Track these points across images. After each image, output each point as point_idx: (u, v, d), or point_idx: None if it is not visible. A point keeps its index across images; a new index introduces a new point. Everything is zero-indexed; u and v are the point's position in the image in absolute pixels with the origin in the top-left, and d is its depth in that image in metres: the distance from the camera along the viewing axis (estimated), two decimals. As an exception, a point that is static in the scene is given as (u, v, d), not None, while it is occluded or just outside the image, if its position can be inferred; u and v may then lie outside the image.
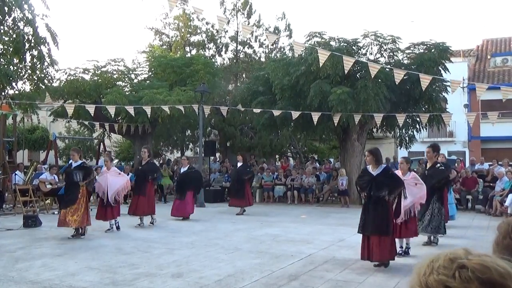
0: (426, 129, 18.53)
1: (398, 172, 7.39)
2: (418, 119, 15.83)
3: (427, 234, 8.24)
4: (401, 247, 7.28)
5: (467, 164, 18.76)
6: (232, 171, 15.81)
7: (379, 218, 6.36)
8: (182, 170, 12.90)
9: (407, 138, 17.73)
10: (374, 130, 18.43)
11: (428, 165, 8.52)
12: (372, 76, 12.97)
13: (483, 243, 8.38)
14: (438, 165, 8.44)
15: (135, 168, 11.40)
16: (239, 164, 13.80)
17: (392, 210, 6.65)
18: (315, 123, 14.68)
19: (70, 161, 9.30)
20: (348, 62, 11.70)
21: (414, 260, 6.90)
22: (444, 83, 15.75)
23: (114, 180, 9.76)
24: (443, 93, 16.10)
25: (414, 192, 7.18)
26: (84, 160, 10.14)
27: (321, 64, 11.58)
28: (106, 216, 9.71)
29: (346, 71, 12.58)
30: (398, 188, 6.62)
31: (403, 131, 17.49)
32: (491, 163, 16.79)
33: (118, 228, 9.87)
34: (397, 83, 12.40)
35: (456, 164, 16.08)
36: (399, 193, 6.68)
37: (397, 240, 7.02)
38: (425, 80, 11.87)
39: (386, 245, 6.36)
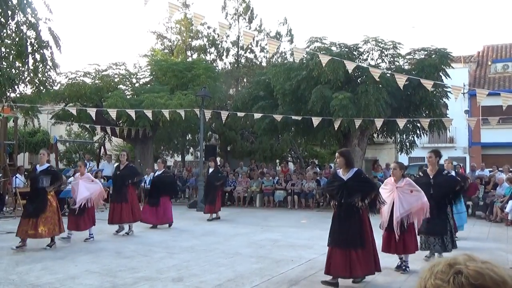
0: (426, 134, 18.55)
1: (390, 179, 6.80)
2: (418, 124, 15.86)
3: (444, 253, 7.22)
4: (401, 257, 6.68)
5: (468, 170, 18.76)
6: (205, 177, 14.97)
7: (352, 229, 5.65)
8: (156, 174, 12.12)
9: (407, 144, 17.74)
10: (375, 135, 18.45)
11: (431, 173, 7.47)
12: (377, 78, 12.97)
13: (483, 250, 8.37)
14: (446, 172, 7.72)
15: (113, 173, 10.55)
16: (210, 170, 13.38)
17: (367, 218, 5.87)
18: (315, 126, 14.68)
19: (36, 165, 8.58)
20: (350, 66, 11.69)
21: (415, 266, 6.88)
22: (445, 89, 15.79)
23: (85, 187, 9.15)
24: (443, 99, 16.13)
25: (410, 200, 6.49)
26: (51, 164, 9.59)
27: (324, 65, 11.48)
28: (78, 225, 8.94)
29: (350, 71, 12.54)
30: (371, 193, 5.83)
31: (404, 136, 17.51)
32: (491, 169, 16.79)
33: (92, 237, 9.15)
34: (401, 88, 12.38)
35: (456, 170, 16.07)
36: (373, 198, 5.85)
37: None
38: (427, 84, 11.87)
39: (366, 259, 5.68)
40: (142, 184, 15.51)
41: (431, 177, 7.37)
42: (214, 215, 12.86)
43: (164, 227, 11.14)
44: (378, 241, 6.36)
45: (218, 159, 22.79)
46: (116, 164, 21.60)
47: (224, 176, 14.21)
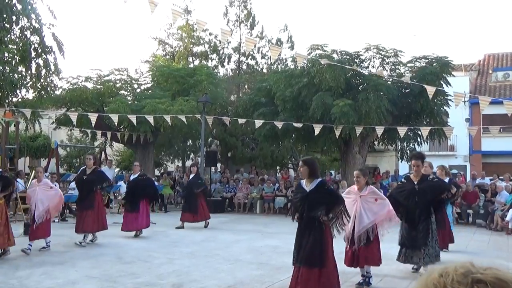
0: (427, 142, 18.56)
1: (353, 188, 6.30)
2: (419, 132, 15.88)
3: (425, 266, 6.61)
4: (363, 275, 6.16)
5: (468, 178, 18.75)
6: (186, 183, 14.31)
7: (312, 246, 5.13)
8: (131, 178, 11.45)
9: (408, 152, 17.76)
10: (376, 142, 18.47)
11: (415, 179, 6.80)
12: (384, 76, 12.90)
13: (484, 258, 8.36)
14: (431, 177, 7.01)
15: (77, 178, 9.76)
16: (191, 176, 12.94)
17: (330, 235, 5.27)
18: (316, 134, 14.71)
19: None
20: (352, 70, 11.71)
21: (415, 274, 6.87)
22: (446, 97, 15.83)
23: (45, 195, 8.52)
24: (444, 107, 16.16)
25: (375, 210, 6.03)
26: (2, 170, 9.12)
27: (326, 75, 11.38)
28: (37, 234, 8.40)
29: (354, 72, 12.52)
30: (337, 207, 5.26)
31: (404, 144, 17.53)
32: (492, 177, 16.79)
33: (49, 246, 8.58)
34: (404, 90, 12.34)
35: (457, 179, 16.07)
36: (339, 213, 5.26)
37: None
38: (430, 90, 11.88)
39: (327, 279, 5.12)
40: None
41: (415, 183, 6.75)
42: (206, 222, 12.45)
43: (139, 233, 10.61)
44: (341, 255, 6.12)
45: (218, 165, 22.82)
46: (118, 169, 21.52)
47: (204, 183, 13.59)
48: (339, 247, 6.03)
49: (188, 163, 26.95)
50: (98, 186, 9.35)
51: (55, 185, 13.52)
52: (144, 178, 11.21)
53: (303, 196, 5.34)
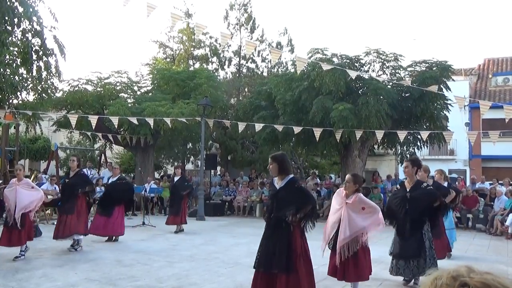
0: (427, 146, 18.58)
1: (342, 191, 5.81)
2: (419, 136, 15.91)
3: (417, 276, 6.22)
4: None
5: (468, 182, 18.76)
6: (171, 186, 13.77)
7: (278, 249, 4.70)
8: (110, 180, 10.88)
9: (408, 156, 17.77)
10: (375, 146, 18.49)
11: (409, 185, 6.39)
12: (382, 79, 12.90)
13: (483, 263, 8.36)
14: (425, 184, 6.52)
15: (61, 181, 9.21)
16: (176, 178, 12.63)
17: (299, 237, 4.81)
18: (317, 138, 14.73)
19: None
20: (352, 74, 11.72)
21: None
22: (446, 101, 15.86)
23: (24, 194, 7.84)
24: (444, 111, 16.19)
25: (361, 219, 5.56)
26: None
27: (326, 79, 11.35)
28: (10, 240, 7.72)
29: (353, 77, 12.52)
30: (306, 206, 4.81)
31: (404, 148, 17.54)
32: (491, 182, 16.80)
33: (23, 255, 7.81)
34: (404, 94, 12.34)
35: (457, 183, 16.08)
36: (308, 214, 4.83)
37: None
38: (433, 88, 11.86)
39: (292, 286, 4.64)
40: (142, 192, 15.51)
41: (407, 190, 6.32)
42: (179, 227, 11.99)
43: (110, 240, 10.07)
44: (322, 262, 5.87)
45: (218, 168, 22.83)
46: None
47: (191, 185, 13.04)
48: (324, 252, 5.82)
49: (188, 166, 27.00)
50: (80, 189, 8.70)
51: (55, 188, 13.57)
52: (124, 182, 10.71)
53: (272, 194, 5.09)
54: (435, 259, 6.21)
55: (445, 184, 8.85)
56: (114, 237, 10.10)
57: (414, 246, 6.05)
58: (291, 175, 5.04)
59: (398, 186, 6.94)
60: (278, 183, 5.03)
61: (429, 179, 7.71)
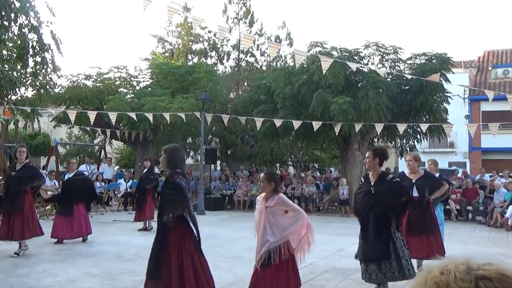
0: (426, 139, 18.57)
1: (261, 195, 4.91)
2: (418, 129, 15.89)
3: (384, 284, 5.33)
4: None
5: (462, 175, 18.77)
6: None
7: (151, 254, 4.64)
8: (66, 177, 9.76)
9: (407, 149, 17.77)
10: (375, 140, 18.48)
11: (372, 179, 5.48)
12: (382, 74, 12.85)
13: (483, 255, 8.38)
14: (390, 176, 5.64)
15: (7, 174, 8.19)
16: (145, 171, 11.72)
17: (174, 240, 4.47)
18: (315, 130, 14.70)
19: None
20: (352, 66, 11.67)
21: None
22: (445, 94, 15.83)
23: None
24: (444, 104, 16.16)
25: (284, 225, 4.70)
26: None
27: (324, 71, 11.36)
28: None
29: (354, 69, 12.46)
30: (177, 205, 4.53)
31: (404, 141, 17.54)
32: (491, 174, 16.81)
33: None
34: (404, 87, 12.31)
35: (454, 176, 16.09)
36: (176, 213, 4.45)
37: None
38: (435, 78, 11.81)
39: None
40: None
41: (372, 184, 5.45)
42: (146, 224, 11.05)
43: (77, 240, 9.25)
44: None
45: (218, 162, 22.83)
46: (118, 167, 21.44)
47: (157, 179, 11.99)
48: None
49: (188, 160, 26.97)
50: (28, 184, 7.74)
51: (54, 183, 13.56)
52: (81, 178, 9.68)
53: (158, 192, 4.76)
54: (408, 265, 5.24)
55: (437, 175, 8.04)
56: (83, 238, 9.25)
57: (382, 247, 5.18)
58: (177, 170, 4.68)
59: (362, 179, 6.00)
60: (162, 180, 4.64)
61: (419, 169, 7.11)
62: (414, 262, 6.20)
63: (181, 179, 4.60)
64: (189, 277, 4.40)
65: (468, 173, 17.26)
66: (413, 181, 6.89)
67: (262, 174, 5.01)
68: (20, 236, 7.58)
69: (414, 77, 13.51)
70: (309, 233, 4.75)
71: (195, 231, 4.58)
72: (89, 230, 9.37)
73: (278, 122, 15.30)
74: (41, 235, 8.06)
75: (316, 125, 14.55)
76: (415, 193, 6.82)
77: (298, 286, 4.71)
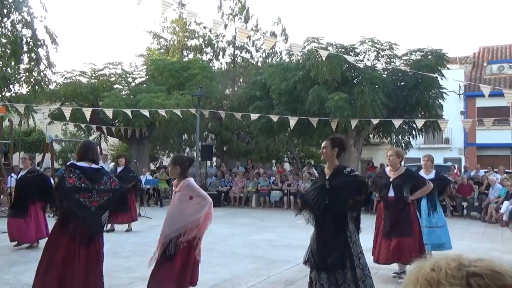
0: (422, 135, 18.62)
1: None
2: (414, 125, 15.93)
3: None
4: None
5: (463, 170, 18.85)
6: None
7: None
8: (20, 174, 9.02)
9: (403, 145, 17.81)
10: (371, 136, 18.51)
11: (328, 172, 4.55)
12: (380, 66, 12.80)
13: (478, 251, 8.41)
14: (348, 169, 4.53)
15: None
16: (119, 169, 10.84)
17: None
18: (314, 126, 14.69)
19: None
20: (350, 59, 11.66)
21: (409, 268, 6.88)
22: (441, 90, 15.86)
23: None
24: (439, 100, 16.20)
25: (188, 212, 4.55)
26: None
27: (323, 58, 11.12)
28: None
29: (349, 65, 12.42)
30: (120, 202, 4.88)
31: (399, 137, 17.58)
32: (486, 169, 16.88)
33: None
34: (399, 83, 12.33)
35: (450, 172, 16.13)
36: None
37: None
38: (429, 76, 11.84)
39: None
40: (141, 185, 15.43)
41: (327, 178, 4.53)
42: (129, 226, 10.40)
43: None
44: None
45: (214, 159, 22.81)
46: (113, 164, 21.39)
47: (137, 176, 10.96)
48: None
49: (184, 157, 26.89)
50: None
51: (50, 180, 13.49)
52: (35, 175, 8.59)
53: None
54: (368, 270, 4.38)
55: (433, 172, 7.43)
56: (37, 242, 8.33)
57: (337, 253, 4.28)
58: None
59: (317, 172, 5.25)
60: None
61: (401, 166, 6.35)
62: (395, 266, 6.22)
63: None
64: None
65: (466, 169, 17.31)
66: (391, 179, 6.17)
67: (171, 160, 4.91)
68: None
69: (410, 71, 13.51)
70: (207, 222, 4.68)
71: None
72: (48, 232, 7.74)
73: (274, 118, 15.29)
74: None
75: (312, 121, 14.54)
76: (391, 193, 6.14)
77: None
